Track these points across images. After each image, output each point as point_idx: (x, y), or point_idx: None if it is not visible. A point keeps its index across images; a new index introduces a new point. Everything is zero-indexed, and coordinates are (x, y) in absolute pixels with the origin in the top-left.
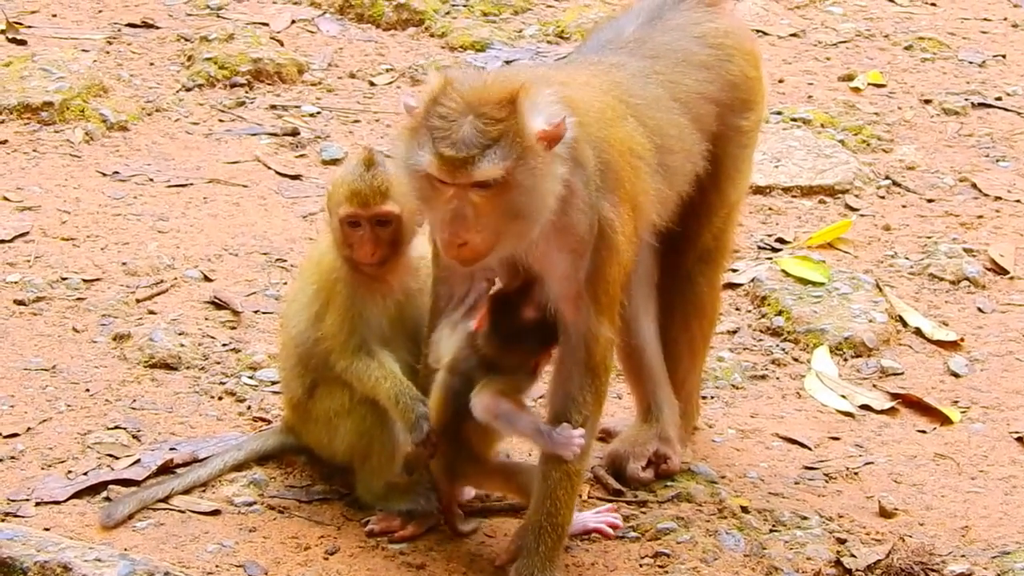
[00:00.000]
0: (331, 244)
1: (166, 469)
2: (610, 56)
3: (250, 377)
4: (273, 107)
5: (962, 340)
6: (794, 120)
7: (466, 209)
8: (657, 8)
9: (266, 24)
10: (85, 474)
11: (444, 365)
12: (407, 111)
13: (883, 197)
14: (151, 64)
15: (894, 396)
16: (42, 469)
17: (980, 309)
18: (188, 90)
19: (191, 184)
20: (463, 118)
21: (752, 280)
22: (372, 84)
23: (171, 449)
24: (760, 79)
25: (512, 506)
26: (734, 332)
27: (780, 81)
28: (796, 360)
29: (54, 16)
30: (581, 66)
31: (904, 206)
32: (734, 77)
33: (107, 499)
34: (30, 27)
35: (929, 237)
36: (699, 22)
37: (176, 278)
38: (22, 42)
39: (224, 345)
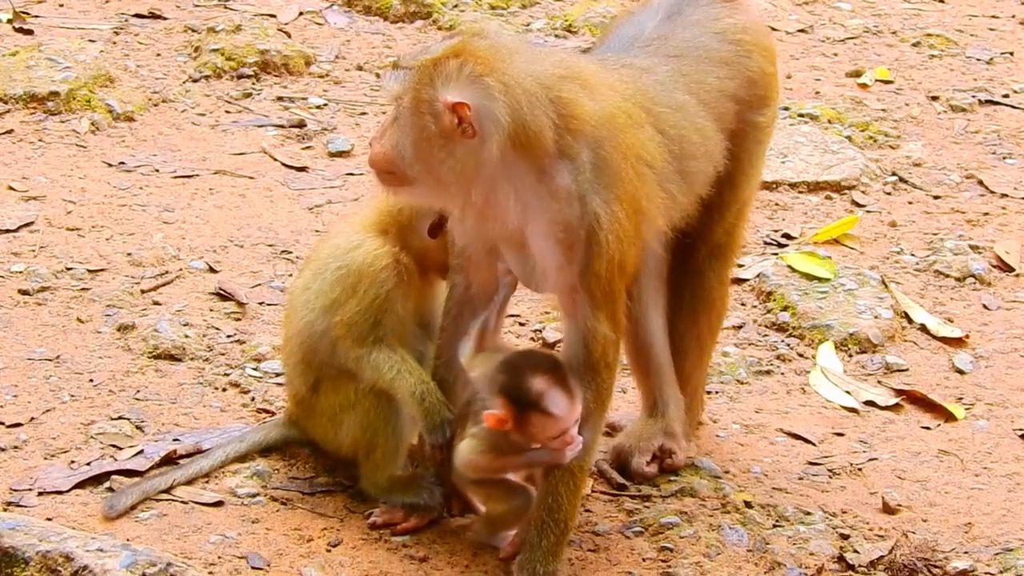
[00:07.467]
0: (382, 240)
1: (169, 460)
2: (641, 59)
3: (254, 369)
4: (280, 99)
5: (967, 337)
6: (801, 116)
7: None
8: (675, 3)
9: (273, 16)
10: (88, 464)
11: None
12: None
13: (889, 193)
14: (158, 55)
15: (899, 392)
16: (45, 459)
17: (985, 306)
18: (195, 81)
19: (197, 175)
20: None
21: (758, 275)
22: (379, 76)
23: (174, 440)
24: (776, 75)
25: None
26: (739, 327)
27: (788, 77)
28: (801, 356)
29: (61, 6)
30: (614, 69)
31: (910, 202)
32: (753, 73)
33: (110, 489)
34: (37, 17)
35: (935, 234)
36: (718, 17)
37: (181, 269)
38: (29, 32)
39: (228, 336)
